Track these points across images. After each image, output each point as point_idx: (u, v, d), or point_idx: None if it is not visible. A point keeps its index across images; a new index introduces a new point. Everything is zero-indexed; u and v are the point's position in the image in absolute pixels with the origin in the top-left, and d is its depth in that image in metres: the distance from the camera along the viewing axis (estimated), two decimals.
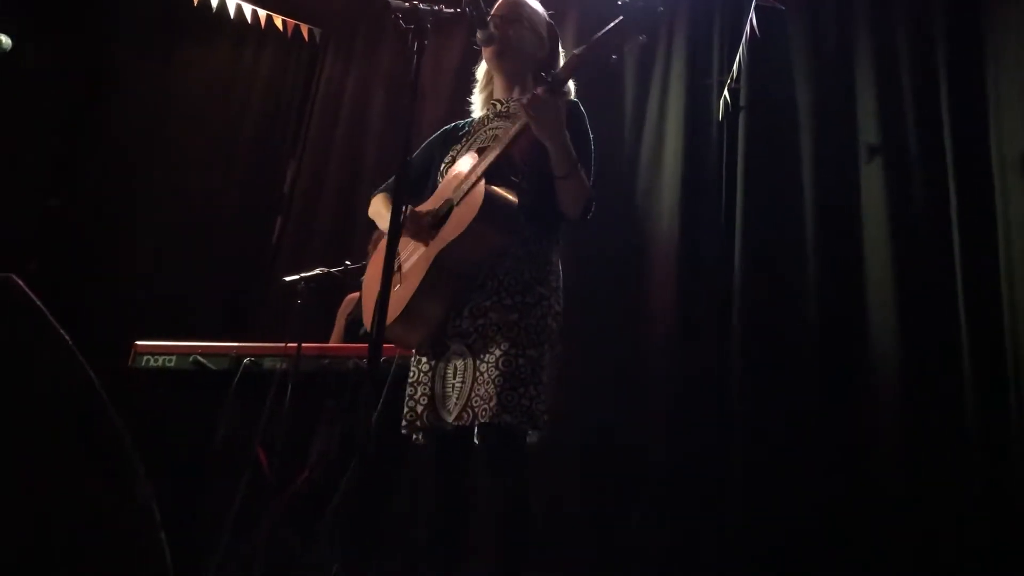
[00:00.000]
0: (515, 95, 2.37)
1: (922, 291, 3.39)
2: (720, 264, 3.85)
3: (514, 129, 2.08)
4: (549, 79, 2.06)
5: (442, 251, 2.07)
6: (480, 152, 2.23)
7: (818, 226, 3.69)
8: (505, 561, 2.02)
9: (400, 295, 2.12)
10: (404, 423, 2.17)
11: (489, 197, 2.03)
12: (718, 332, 3.75)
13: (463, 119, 2.51)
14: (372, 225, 2.48)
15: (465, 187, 2.10)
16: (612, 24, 2.06)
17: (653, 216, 4.07)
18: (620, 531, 3.56)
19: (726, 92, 3.97)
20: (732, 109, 3.99)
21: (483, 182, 2.05)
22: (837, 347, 3.50)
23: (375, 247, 3.64)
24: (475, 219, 2.00)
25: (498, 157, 2.08)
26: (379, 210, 2.43)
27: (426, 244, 2.14)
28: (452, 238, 2.05)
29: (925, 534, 3.10)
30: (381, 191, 2.49)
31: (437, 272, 2.07)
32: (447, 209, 2.15)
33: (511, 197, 2.10)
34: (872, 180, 3.64)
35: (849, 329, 3.50)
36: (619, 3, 2.05)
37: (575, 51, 2.09)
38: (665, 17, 4.10)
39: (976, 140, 3.38)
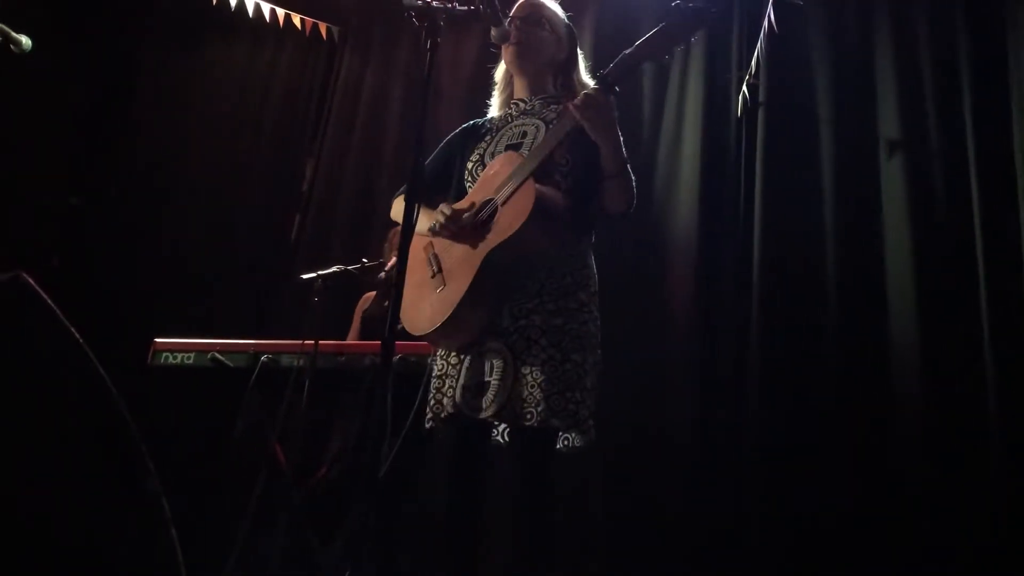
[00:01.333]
0: (538, 95, 2.37)
1: (943, 287, 3.35)
2: (739, 260, 3.83)
3: (563, 130, 2.07)
4: (603, 78, 2.06)
5: (492, 251, 2.05)
6: (513, 149, 2.22)
7: (838, 222, 3.66)
8: (526, 561, 2.01)
9: (446, 298, 2.10)
10: (430, 416, 2.16)
11: (540, 198, 2.03)
12: (737, 328, 3.73)
13: (480, 117, 2.51)
14: (390, 223, 2.47)
15: (510, 187, 2.08)
16: (662, 25, 2.06)
17: (671, 211, 4.05)
18: (640, 530, 3.55)
19: (745, 87, 3.94)
20: (751, 105, 3.96)
21: (532, 182, 2.05)
22: (857, 343, 3.47)
23: (392, 246, 3.65)
24: (528, 220, 2.00)
25: (546, 158, 2.08)
26: (402, 210, 2.43)
27: (472, 245, 2.11)
28: (504, 239, 2.03)
29: (945, 532, 3.07)
30: (403, 192, 2.49)
31: (485, 273, 2.05)
32: (492, 210, 2.13)
33: (559, 198, 2.11)
34: (893, 176, 3.60)
35: (869, 325, 3.47)
36: (673, 4, 2.05)
37: (626, 51, 2.08)
38: (717, 18, 4.06)
39: (998, 135, 3.34)
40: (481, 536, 2.19)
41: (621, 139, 2.13)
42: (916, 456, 3.22)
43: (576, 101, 2.05)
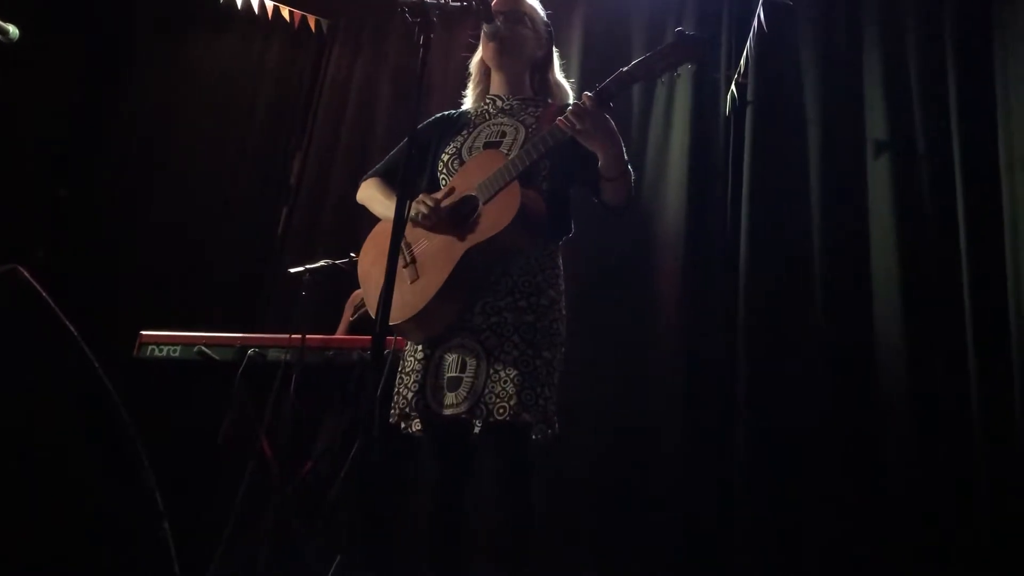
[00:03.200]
0: (515, 93, 2.38)
1: (928, 288, 3.38)
2: (726, 259, 3.84)
3: (555, 139, 2.08)
4: (599, 92, 2.07)
5: (473, 248, 2.07)
6: (492, 147, 2.23)
7: (825, 221, 3.69)
8: (508, 558, 2.03)
9: (420, 290, 2.11)
10: (395, 412, 2.17)
11: (526, 200, 2.06)
12: (724, 327, 3.75)
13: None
14: (375, 217, 2.45)
15: (493, 186, 2.09)
16: (661, 48, 2.09)
17: (659, 210, 4.06)
18: (626, 529, 3.57)
19: (733, 87, 3.96)
20: (739, 104, 3.98)
21: (518, 185, 2.07)
22: (843, 342, 3.49)
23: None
24: (513, 220, 2.03)
25: (534, 162, 2.09)
26: (374, 194, 2.41)
27: (451, 239, 2.12)
28: (487, 236, 2.06)
29: (930, 531, 3.10)
30: (372, 176, 2.49)
31: (463, 269, 2.07)
32: (471, 206, 2.14)
33: (540, 202, 2.15)
34: (879, 176, 3.63)
35: (855, 323, 3.49)
36: (676, 30, 2.10)
37: (622, 69, 2.10)
38: (714, 46, 4.10)
39: (984, 137, 3.37)
40: (465, 530, 2.20)
41: (623, 147, 2.15)
42: (901, 453, 3.24)
43: (570, 114, 2.05)
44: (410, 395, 2.13)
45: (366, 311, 2.47)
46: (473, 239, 2.08)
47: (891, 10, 3.82)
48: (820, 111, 3.86)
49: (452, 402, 2.07)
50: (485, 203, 2.10)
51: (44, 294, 0.97)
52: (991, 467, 3.01)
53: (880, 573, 3.16)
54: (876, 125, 3.70)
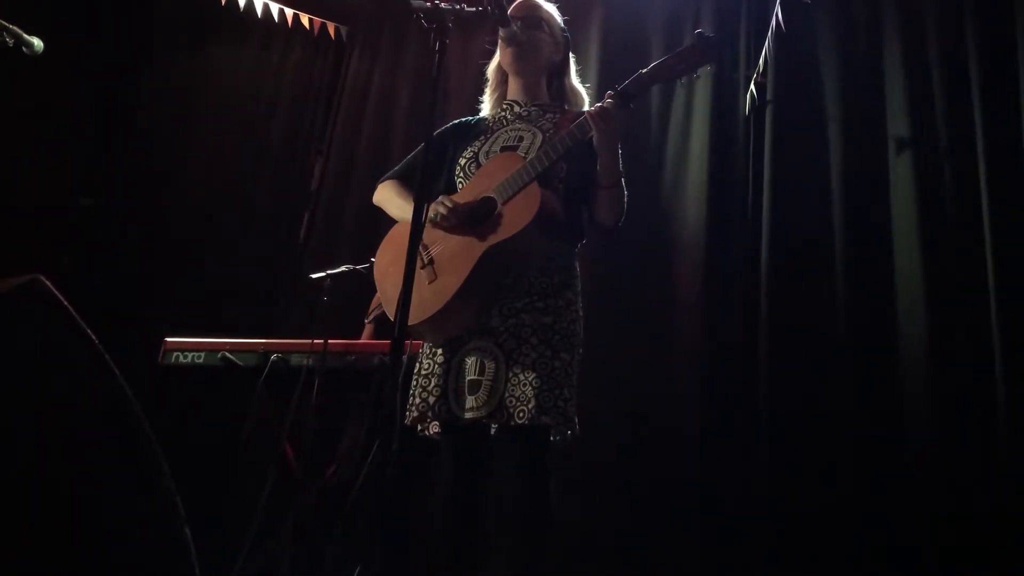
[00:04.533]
0: (532, 98, 2.39)
1: (953, 285, 3.34)
2: (747, 259, 3.82)
3: (574, 141, 2.10)
4: (620, 93, 2.09)
5: (492, 248, 2.07)
6: (507, 151, 2.24)
7: (846, 221, 3.66)
8: (526, 561, 2.03)
9: (438, 291, 2.12)
10: (415, 414, 2.17)
11: (545, 201, 2.07)
12: (746, 327, 3.73)
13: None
14: (394, 221, 2.46)
15: (512, 187, 2.11)
16: (681, 49, 2.11)
17: (679, 211, 4.05)
18: (644, 524, 3.56)
19: (752, 86, 3.94)
20: (759, 103, 3.96)
21: (537, 185, 2.08)
22: (866, 342, 3.46)
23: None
24: (532, 220, 2.04)
25: (553, 163, 2.11)
26: (391, 196, 2.43)
27: (469, 240, 2.12)
28: (506, 236, 2.06)
29: (952, 526, 3.07)
30: (389, 178, 2.50)
31: (481, 269, 2.08)
32: (490, 207, 2.15)
33: (558, 204, 2.16)
34: (901, 174, 3.59)
35: (878, 322, 3.46)
36: (696, 31, 2.12)
37: (642, 70, 2.12)
38: (732, 45, 4.11)
39: (1007, 133, 3.33)
40: (484, 532, 2.21)
41: (620, 152, 2.17)
42: (924, 450, 3.21)
43: (592, 114, 2.07)
44: (432, 399, 2.14)
45: (382, 312, 2.48)
46: (492, 239, 2.08)
47: (911, 5, 3.79)
48: (841, 108, 3.83)
49: (472, 405, 2.07)
50: (504, 203, 2.11)
51: (65, 303, 0.99)
52: (1017, 465, 2.97)
53: (900, 566, 3.13)
54: (898, 121, 3.67)
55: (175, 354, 3.22)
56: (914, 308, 3.38)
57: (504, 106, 2.41)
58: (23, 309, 0.95)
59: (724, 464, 3.55)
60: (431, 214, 2.17)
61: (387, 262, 2.31)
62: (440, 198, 2.21)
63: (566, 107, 2.41)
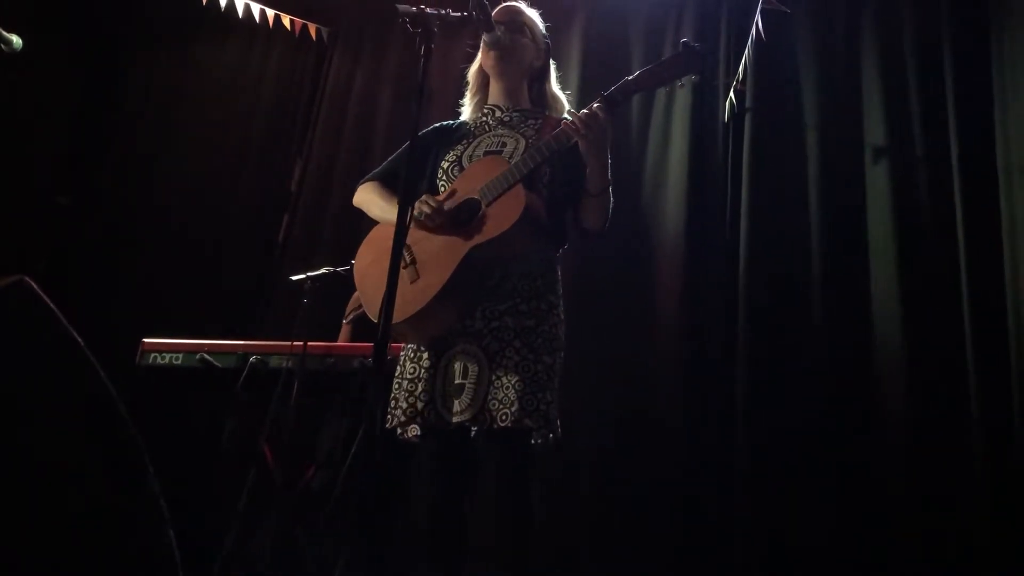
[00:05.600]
0: (514, 103, 2.40)
1: (927, 293, 3.39)
2: (725, 265, 3.86)
3: (558, 145, 2.11)
4: (607, 99, 2.10)
5: (476, 248, 2.08)
6: (491, 155, 2.25)
7: (823, 228, 3.70)
8: (509, 562, 2.04)
9: (420, 290, 2.12)
10: (402, 418, 2.15)
11: (530, 203, 2.08)
12: (724, 332, 3.76)
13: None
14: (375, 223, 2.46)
15: (497, 189, 2.11)
16: (667, 58, 2.13)
17: (659, 217, 4.08)
18: (626, 525, 3.59)
19: (732, 94, 3.98)
20: (738, 111, 4.00)
21: (522, 188, 2.09)
22: (842, 347, 3.51)
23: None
24: (517, 221, 2.05)
25: (538, 167, 2.12)
26: (372, 198, 2.42)
27: (453, 240, 2.13)
28: (491, 236, 2.07)
29: (929, 535, 3.12)
30: (370, 179, 2.49)
31: (464, 269, 2.08)
32: (474, 208, 2.16)
33: (542, 207, 2.17)
34: (878, 182, 3.64)
35: (854, 328, 3.51)
36: (682, 41, 2.13)
37: (628, 77, 2.13)
38: (712, 61, 4.15)
39: (982, 142, 3.39)
40: (467, 535, 2.21)
41: (610, 161, 2.18)
42: (900, 457, 3.26)
43: (579, 119, 2.08)
44: (420, 404, 2.13)
45: (362, 312, 2.48)
46: (476, 239, 2.09)
47: (889, 16, 3.84)
48: (818, 116, 3.88)
49: (459, 409, 2.07)
50: (488, 205, 2.12)
51: (51, 304, 0.99)
52: (989, 470, 3.02)
53: (876, 572, 3.17)
54: (875, 130, 3.72)
55: (153, 355, 3.20)
56: (889, 312, 3.43)
57: (485, 110, 2.42)
58: (8, 310, 0.95)
59: (705, 465, 3.58)
60: (415, 212, 2.17)
61: (368, 263, 2.30)
62: (424, 197, 2.20)
63: (547, 113, 2.42)
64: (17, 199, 4.88)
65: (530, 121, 2.35)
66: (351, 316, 3.68)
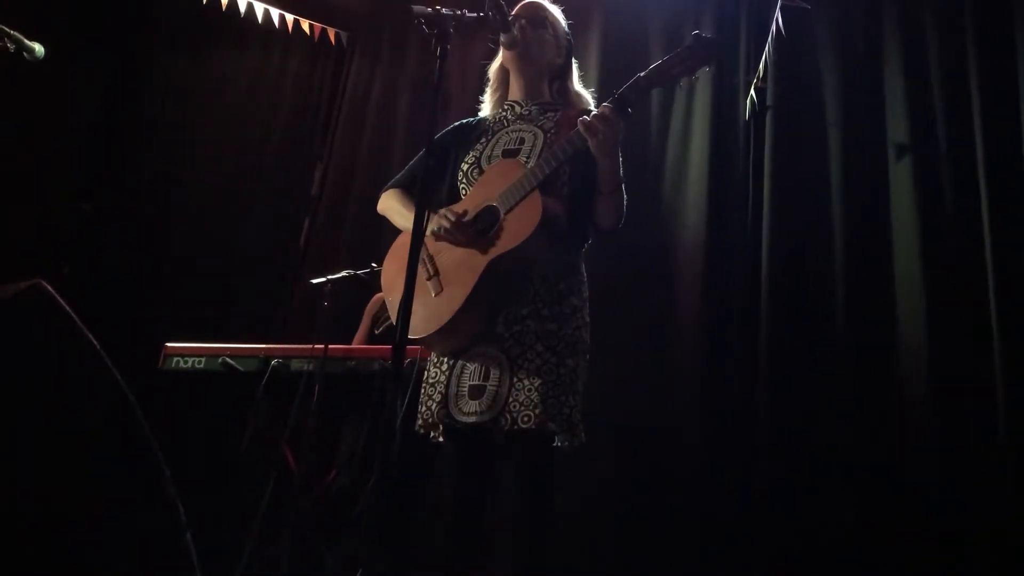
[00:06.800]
0: (534, 99, 2.38)
1: (952, 289, 3.34)
2: (747, 264, 3.83)
3: (573, 147, 2.09)
4: (618, 99, 2.07)
5: (495, 260, 2.07)
6: (510, 155, 2.23)
7: (846, 226, 3.66)
8: (529, 565, 2.03)
9: (444, 302, 2.12)
10: (420, 421, 2.19)
11: (547, 209, 2.06)
12: (746, 332, 3.73)
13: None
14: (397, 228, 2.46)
15: (514, 196, 2.10)
16: (678, 51, 2.09)
17: (680, 216, 4.05)
18: (645, 529, 3.56)
19: (752, 92, 3.95)
20: (758, 109, 3.97)
21: (539, 194, 2.08)
22: (866, 346, 3.47)
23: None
24: (535, 230, 2.03)
25: (553, 170, 2.10)
26: (394, 206, 2.41)
27: (474, 251, 2.12)
28: (509, 248, 2.06)
29: (954, 533, 3.07)
30: (392, 187, 2.49)
31: (487, 280, 2.08)
32: (493, 217, 2.14)
33: (561, 210, 2.15)
34: (901, 179, 3.60)
35: (878, 327, 3.46)
36: (693, 33, 2.10)
37: (640, 74, 2.10)
38: (732, 51, 4.12)
39: (1006, 137, 3.33)
40: (487, 538, 2.21)
41: (620, 159, 2.15)
42: (924, 456, 3.21)
43: (589, 120, 2.06)
44: (434, 406, 2.14)
45: (392, 322, 2.48)
46: (495, 251, 2.08)
47: (911, 11, 3.79)
48: (840, 114, 3.84)
49: (473, 410, 2.06)
50: (506, 213, 2.10)
51: (67, 308, 0.99)
52: (1016, 471, 2.97)
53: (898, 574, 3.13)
54: (897, 127, 3.67)
55: (175, 359, 3.22)
56: (914, 314, 3.38)
57: (505, 106, 2.41)
58: (26, 314, 0.95)
59: (724, 472, 3.55)
60: (435, 227, 2.17)
61: (394, 272, 2.31)
62: (442, 211, 2.19)
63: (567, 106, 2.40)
64: (41, 206, 4.92)
65: (548, 113, 2.33)
66: (383, 326, 3.69)
